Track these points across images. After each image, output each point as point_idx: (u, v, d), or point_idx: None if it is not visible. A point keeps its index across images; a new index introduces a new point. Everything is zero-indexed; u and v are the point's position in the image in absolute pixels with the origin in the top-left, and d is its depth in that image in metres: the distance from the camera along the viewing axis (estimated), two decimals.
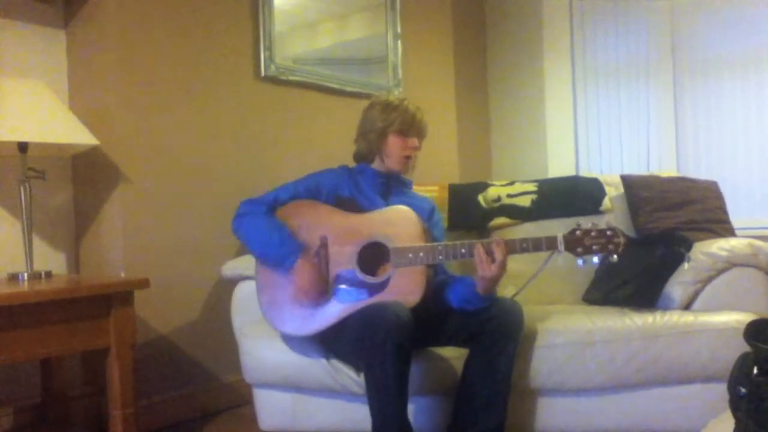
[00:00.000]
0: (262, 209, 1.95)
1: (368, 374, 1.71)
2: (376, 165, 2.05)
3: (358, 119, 2.10)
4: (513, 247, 1.79)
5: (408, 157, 2.02)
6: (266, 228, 1.90)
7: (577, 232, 1.78)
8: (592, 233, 1.77)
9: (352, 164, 2.12)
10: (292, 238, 1.88)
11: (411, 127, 2.00)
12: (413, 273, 1.82)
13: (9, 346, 1.75)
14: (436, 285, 1.96)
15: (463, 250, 1.80)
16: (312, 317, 1.87)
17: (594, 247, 1.76)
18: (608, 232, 1.77)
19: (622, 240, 1.76)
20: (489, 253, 1.76)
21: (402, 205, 1.93)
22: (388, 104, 2.03)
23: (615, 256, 1.76)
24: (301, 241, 1.89)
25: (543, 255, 1.85)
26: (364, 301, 1.81)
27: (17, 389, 2.26)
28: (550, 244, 1.78)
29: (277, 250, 1.87)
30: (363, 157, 2.08)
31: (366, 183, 2.04)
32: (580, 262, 1.77)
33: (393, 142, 2.00)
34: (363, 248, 1.88)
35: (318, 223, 1.93)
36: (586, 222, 1.80)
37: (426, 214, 2.06)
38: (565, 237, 1.78)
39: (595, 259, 1.77)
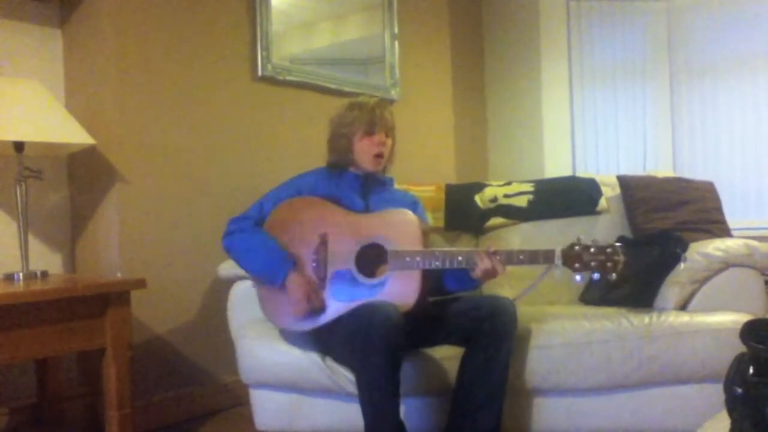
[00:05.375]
0: (249, 224, 1.96)
1: (359, 374, 1.71)
2: (353, 168, 2.05)
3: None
4: (510, 259, 1.78)
5: (379, 155, 2.00)
6: (253, 247, 1.91)
7: (576, 248, 1.75)
8: (592, 249, 1.74)
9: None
10: (280, 253, 1.88)
11: (373, 124, 1.99)
12: (410, 276, 1.82)
13: (4, 346, 1.74)
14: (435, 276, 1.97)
15: (460, 258, 1.79)
16: (308, 314, 1.87)
17: (592, 264, 1.74)
18: (608, 250, 1.74)
19: (621, 259, 1.73)
20: (490, 257, 1.77)
21: (404, 209, 1.93)
22: (348, 105, 2.05)
23: (614, 275, 1.74)
24: (291, 252, 1.88)
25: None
26: (360, 301, 1.81)
27: (12, 389, 2.26)
28: (547, 257, 1.76)
29: (267, 269, 1.87)
30: (338, 166, 2.07)
31: (345, 183, 2.04)
32: (578, 278, 1.75)
33: (360, 146, 2.00)
34: (362, 249, 1.88)
35: (319, 220, 1.92)
36: (586, 237, 1.77)
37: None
38: (563, 251, 1.75)
39: (595, 276, 1.74)
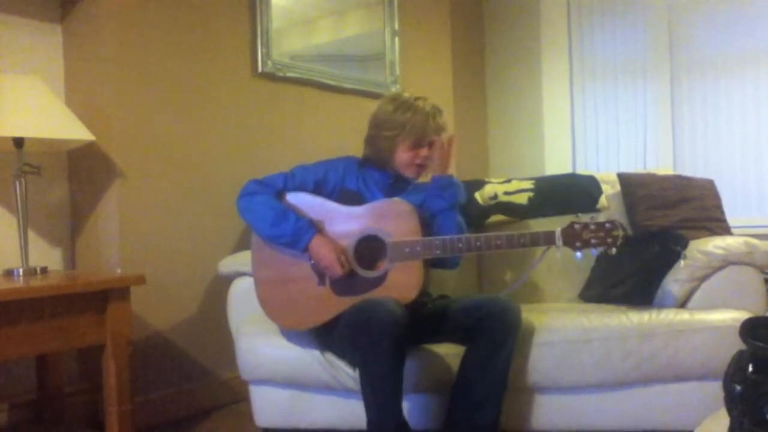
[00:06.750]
0: (272, 191, 1.93)
1: (363, 371, 1.71)
2: (389, 169, 2.01)
3: (368, 120, 2.04)
4: (511, 243, 1.79)
5: (421, 165, 1.97)
6: (279, 207, 1.89)
7: (576, 226, 1.76)
8: (591, 227, 1.76)
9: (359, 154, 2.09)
10: (306, 219, 1.87)
11: (422, 137, 1.93)
12: (411, 268, 1.81)
13: (4, 343, 1.74)
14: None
15: (460, 245, 1.80)
16: (309, 312, 1.87)
17: (593, 241, 1.75)
18: (607, 225, 1.75)
19: (621, 233, 1.74)
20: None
21: (398, 198, 1.91)
22: (400, 105, 1.96)
23: (614, 250, 1.74)
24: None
25: (540, 250, 1.85)
26: (361, 296, 1.81)
27: (12, 386, 2.26)
28: (548, 239, 1.78)
29: (294, 227, 1.84)
30: (372, 162, 2.03)
31: (372, 179, 2.01)
32: (579, 254, 1.76)
33: (402, 156, 1.95)
34: (359, 242, 1.86)
35: (312, 216, 1.91)
36: (584, 216, 1.79)
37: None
38: (563, 231, 1.77)
39: (595, 251, 1.76)
